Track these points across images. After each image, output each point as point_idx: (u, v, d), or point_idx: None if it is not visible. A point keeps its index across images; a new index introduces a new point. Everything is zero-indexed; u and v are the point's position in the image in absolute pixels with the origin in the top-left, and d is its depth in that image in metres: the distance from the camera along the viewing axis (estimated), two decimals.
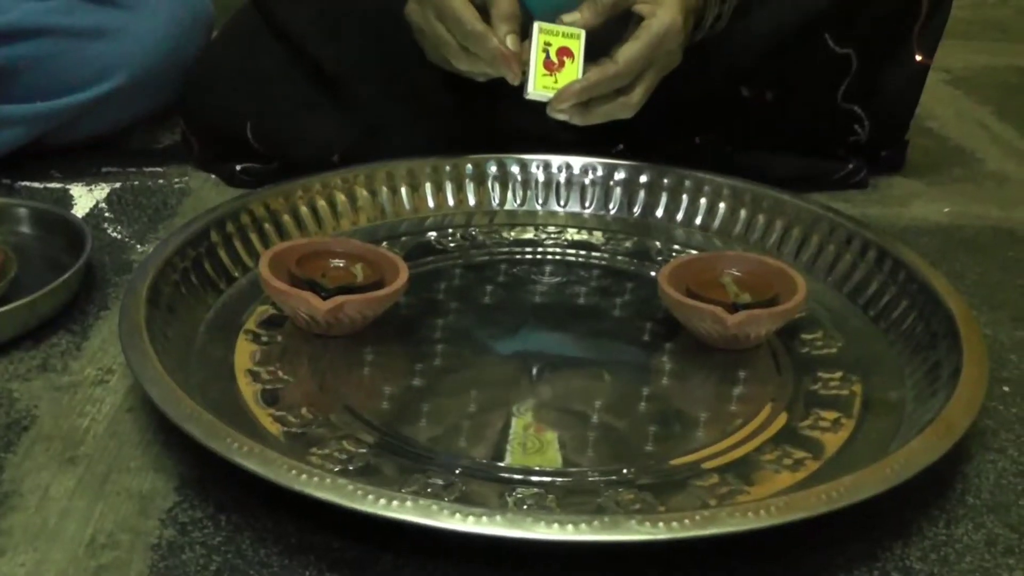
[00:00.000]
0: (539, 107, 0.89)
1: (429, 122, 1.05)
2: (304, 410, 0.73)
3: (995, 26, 1.78)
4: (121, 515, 0.66)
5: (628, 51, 0.88)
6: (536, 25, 0.88)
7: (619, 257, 0.95)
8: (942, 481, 0.71)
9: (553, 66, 0.88)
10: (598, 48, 0.89)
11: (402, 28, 1.02)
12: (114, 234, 1.00)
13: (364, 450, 0.70)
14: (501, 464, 0.69)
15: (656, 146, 1.06)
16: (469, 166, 1.01)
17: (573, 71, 0.88)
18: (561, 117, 0.89)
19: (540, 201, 1.01)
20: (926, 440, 0.67)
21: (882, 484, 0.63)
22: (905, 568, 0.64)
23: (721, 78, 1.07)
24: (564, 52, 0.88)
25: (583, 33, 0.89)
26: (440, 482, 0.67)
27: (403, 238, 0.96)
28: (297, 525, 0.65)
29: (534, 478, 0.68)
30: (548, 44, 0.88)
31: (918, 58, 1.11)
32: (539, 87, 0.88)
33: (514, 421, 0.74)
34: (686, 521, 0.58)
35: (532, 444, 0.72)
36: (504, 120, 1.04)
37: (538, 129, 1.02)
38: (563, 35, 0.89)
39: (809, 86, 1.09)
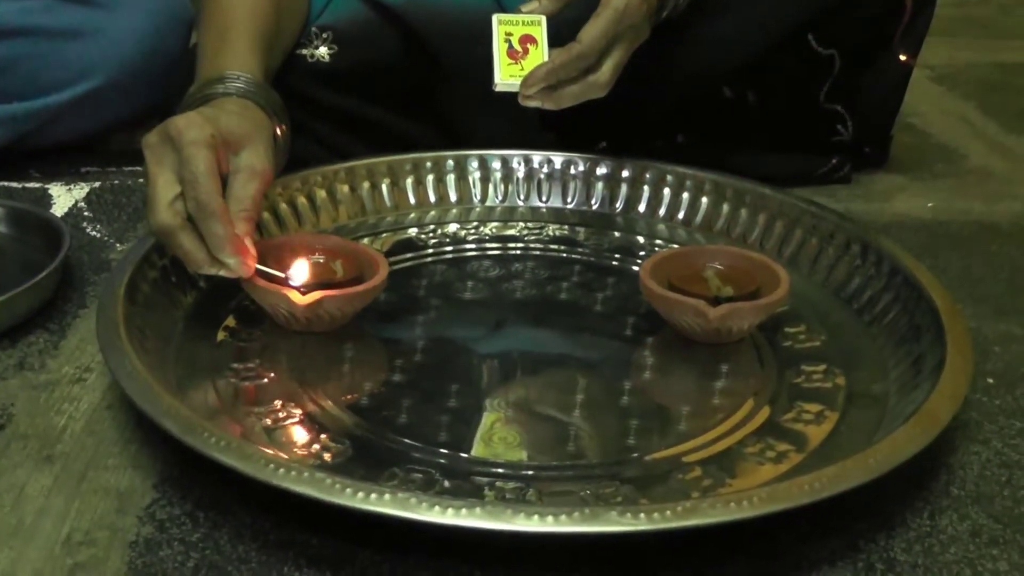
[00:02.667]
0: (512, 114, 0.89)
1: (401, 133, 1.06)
2: (283, 406, 0.72)
3: (977, 23, 1.79)
4: (98, 513, 0.65)
5: (590, 29, 0.87)
6: (495, 17, 0.88)
7: (601, 252, 0.95)
8: (926, 473, 0.71)
9: (517, 55, 0.88)
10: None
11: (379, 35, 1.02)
12: (93, 233, 0.99)
13: (343, 446, 0.69)
14: (481, 458, 0.69)
15: (639, 144, 1.05)
16: (450, 162, 1.00)
17: (538, 56, 0.88)
18: (533, 104, 0.89)
19: (522, 197, 1.01)
20: (909, 431, 0.66)
21: (865, 475, 0.62)
22: (889, 559, 0.64)
23: (704, 79, 1.07)
24: (527, 39, 0.88)
25: (544, 19, 0.89)
26: (420, 477, 0.66)
27: (384, 234, 0.95)
28: (275, 521, 0.64)
29: (514, 472, 0.67)
30: (509, 34, 0.88)
31: (902, 58, 1.11)
32: (506, 76, 0.88)
33: (484, 416, 0.73)
34: (668, 512, 0.57)
35: (498, 440, 0.71)
36: (476, 128, 1.04)
37: (513, 134, 1.02)
38: (523, 23, 0.89)
39: (791, 87, 1.09)
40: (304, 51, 1.03)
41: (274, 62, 0.95)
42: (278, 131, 0.85)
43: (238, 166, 0.77)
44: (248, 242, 0.75)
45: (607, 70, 0.89)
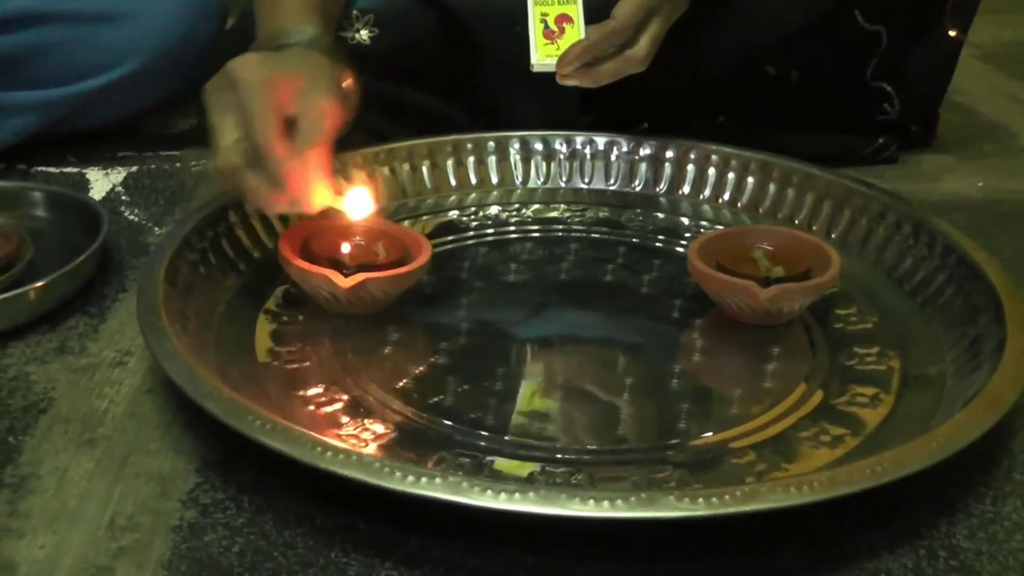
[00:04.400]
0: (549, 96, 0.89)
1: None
2: (326, 390, 0.71)
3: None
4: (141, 497, 0.64)
5: (624, 5, 0.86)
6: None
7: (646, 234, 0.93)
8: (987, 458, 0.68)
9: (553, 34, 0.87)
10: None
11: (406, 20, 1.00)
12: (131, 217, 0.98)
13: (388, 429, 0.68)
14: (527, 441, 0.67)
15: (680, 125, 1.04)
16: (491, 143, 0.99)
17: (575, 34, 0.87)
18: (571, 82, 0.88)
19: (564, 178, 0.99)
20: (972, 413, 0.64)
21: (928, 459, 0.61)
22: (951, 547, 0.62)
23: (747, 57, 1.05)
24: (563, 19, 0.88)
25: None
26: (467, 460, 0.65)
27: (424, 216, 0.94)
28: (321, 506, 0.63)
29: (563, 456, 0.66)
30: (545, 14, 0.88)
31: (952, 33, 1.08)
32: (542, 57, 0.88)
33: (522, 387, 0.73)
34: (726, 497, 0.56)
35: (535, 409, 0.70)
36: (515, 110, 1.03)
37: (552, 115, 1.00)
38: (559, 3, 0.88)
39: (837, 64, 1.07)
40: (345, 34, 1.01)
41: (329, 30, 0.93)
42: (344, 78, 0.83)
43: (303, 105, 0.75)
44: (321, 177, 0.74)
45: (644, 44, 0.88)
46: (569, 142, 0.99)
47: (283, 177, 0.73)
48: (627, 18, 0.86)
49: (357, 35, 1.01)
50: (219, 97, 0.75)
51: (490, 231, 0.93)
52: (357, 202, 0.79)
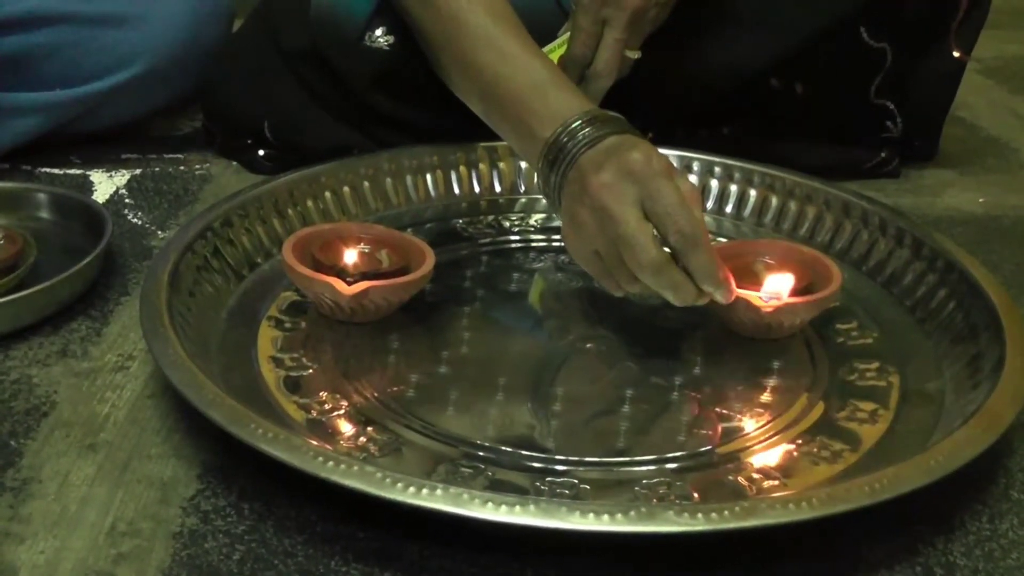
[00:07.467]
0: None
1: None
2: (328, 397, 0.71)
3: None
4: (142, 503, 0.65)
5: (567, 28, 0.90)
6: None
7: None
8: (984, 476, 0.69)
9: None
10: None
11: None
12: (134, 220, 0.99)
13: (389, 438, 0.68)
14: (528, 452, 0.68)
15: (684, 135, 1.04)
16: (496, 152, 0.99)
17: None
18: None
19: None
20: (970, 432, 0.65)
21: (926, 476, 0.61)
22: (948, 564, 0.62)
23: (752, 69, 1.05)
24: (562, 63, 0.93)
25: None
26: (468, 470, 0.65)
27: (428, 224, 0.94)
28: (321, 514, 0.63)
29: (562, 467, 0.66)
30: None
31: (956, 54, 1.09)
32: None
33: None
34: (725, 513, 0.56)
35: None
36: None
37: None
38: (557, 47, 0.93)
39: (841, 80, 1.07)
40: (364, 39, 1.00)
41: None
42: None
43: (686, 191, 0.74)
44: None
45: (600, 58, 0.92)
46: None
47: (717, 266, 0.72)
48: (575, 44, 0.91)
49: (376, 42, 1.00)
50: (623, 190, 0.72)
51: (493, 240, 0.93)
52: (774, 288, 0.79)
